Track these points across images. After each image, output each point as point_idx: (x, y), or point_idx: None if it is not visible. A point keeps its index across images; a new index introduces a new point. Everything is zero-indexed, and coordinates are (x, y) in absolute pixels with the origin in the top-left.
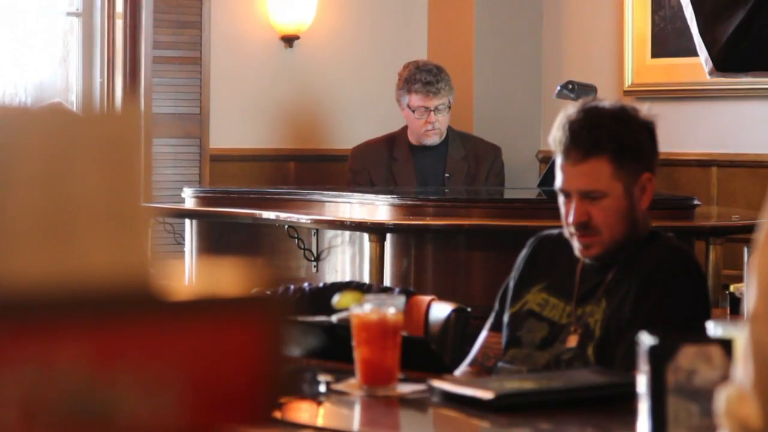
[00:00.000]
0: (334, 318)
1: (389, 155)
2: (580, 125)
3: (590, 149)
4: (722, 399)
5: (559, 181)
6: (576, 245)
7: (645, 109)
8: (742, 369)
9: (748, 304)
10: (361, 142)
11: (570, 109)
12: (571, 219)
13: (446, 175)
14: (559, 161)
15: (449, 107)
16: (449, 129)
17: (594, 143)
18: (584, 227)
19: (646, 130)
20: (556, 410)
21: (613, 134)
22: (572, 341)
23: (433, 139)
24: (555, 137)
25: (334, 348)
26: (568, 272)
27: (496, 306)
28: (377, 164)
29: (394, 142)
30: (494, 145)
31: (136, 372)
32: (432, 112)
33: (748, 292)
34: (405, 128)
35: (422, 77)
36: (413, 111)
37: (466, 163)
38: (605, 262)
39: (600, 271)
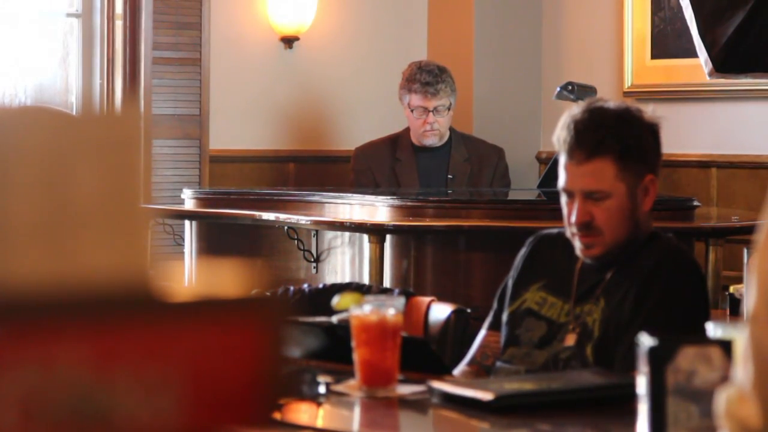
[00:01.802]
0: (333, 319)
1: (392, 156)
2: (585, 125)
3: (595, 149)
4: (722, 400)
5: (562, 181)
6: (577, 245)
7: (650, 110)
8: (742, 370)
9: (748, 305)
10: (364, 143)
11: (575, 109)
12: (573, 219)
13: (449, 176)
14: (562, 161)
15: (449, 109)
16: (452, 130)
17: (598, 144)
18: (586, 227)
19: (651, 131)
20: (556, 411)
21: (617, 135)
22: (570, 340)
23: (432, 140)
24: (559, 137)
25: (334, 349)
26: (567, 271)
27: (495, 305)
28: (381, 164)
29: (397, 142)
30: (497, 147)
31: (135, 373)
32: (431, 113)
33: (748, 293)
34: (408, 129)
35: (422, 77)
36: (412, 111)
37: (469, 165)
38: (604, 262)
39: (599, 271)
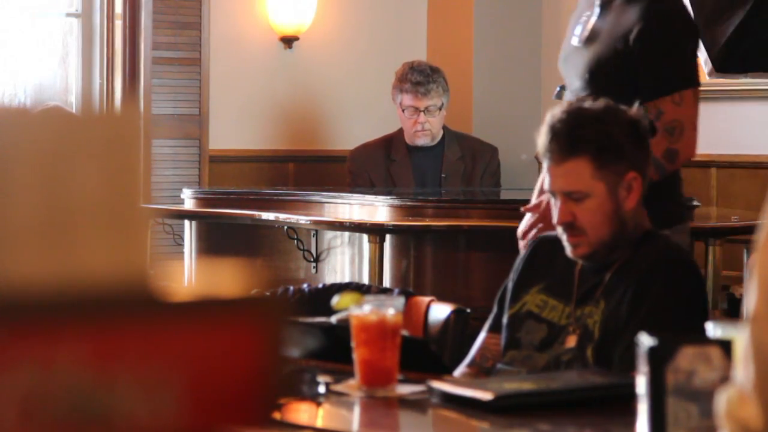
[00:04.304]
0: (333, 319)
1: (387, 156)
2: (561, 126)
3: (570, 150)
4: (722, 400)
5: (546, 183)
6: (566, 246)
7: (633, 108)
8: (743, 370)
9: (748, 305)
10: (359, 145)
11: (555, 109)
12: (556, 220)
13: (442, 175)
14: (545, 164)
15: (441, 109)
16: (446, 130)
17: (573, 144)
18: (569, 227)
19: (630, 129)
20: (555, 411)
21: (592, 134)
22: (571, 342)
23: (423, 140)
24: (540, 139)
25: (334, 349)
26: (567, 273)
27: (495, 307)
28: (376, 166)
29: (392, 143)
30: (491, 145)
31: (135, 373)
32: (422, 113)
33: (748, 293)
34: (402, 129)
35: (413, 77)
36: (404, 110)
37: (463, 164)
38: (603, 263)
39: (598, 272)
